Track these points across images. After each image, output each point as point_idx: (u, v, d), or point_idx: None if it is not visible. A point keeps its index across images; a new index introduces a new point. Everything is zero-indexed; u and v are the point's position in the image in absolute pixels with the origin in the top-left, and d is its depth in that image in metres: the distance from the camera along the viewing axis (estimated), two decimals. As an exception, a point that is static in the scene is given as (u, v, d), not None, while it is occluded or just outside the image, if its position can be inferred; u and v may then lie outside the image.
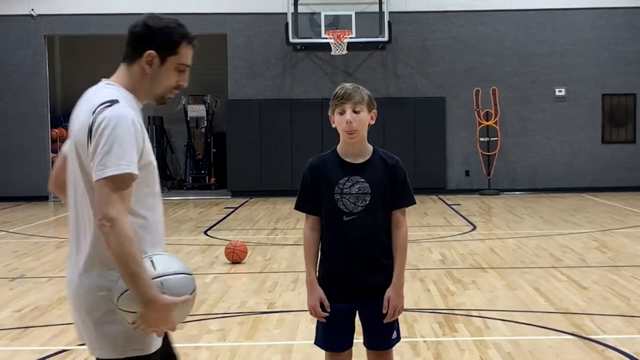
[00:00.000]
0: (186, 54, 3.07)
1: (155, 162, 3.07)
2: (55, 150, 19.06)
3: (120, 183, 2.83)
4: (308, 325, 6.48)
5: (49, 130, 18.88)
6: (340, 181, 3.80)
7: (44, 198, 18.26)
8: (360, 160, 3.83)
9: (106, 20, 18.35)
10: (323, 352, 3.96)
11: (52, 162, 18.86)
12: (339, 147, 3.88)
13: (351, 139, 3.78)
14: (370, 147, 3.88)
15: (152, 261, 2.94)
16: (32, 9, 18.46)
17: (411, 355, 5.69)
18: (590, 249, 10.41)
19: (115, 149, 2.83)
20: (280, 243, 11.39)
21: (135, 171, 2.86)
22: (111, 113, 2.86)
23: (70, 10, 18.48)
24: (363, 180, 3.79)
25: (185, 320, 3.97)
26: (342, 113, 3.77)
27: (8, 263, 10.02)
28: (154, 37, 3.01)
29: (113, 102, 2.91)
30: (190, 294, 2.97)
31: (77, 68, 21.37)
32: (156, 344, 3.02)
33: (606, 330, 6.29)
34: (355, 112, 3.75)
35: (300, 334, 6.32)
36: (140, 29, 3.03)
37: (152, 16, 3.07)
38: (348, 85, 3.83)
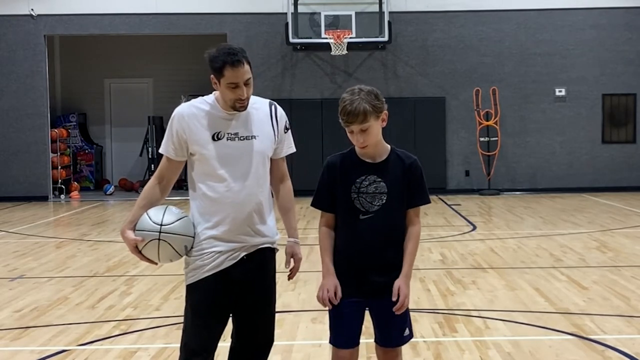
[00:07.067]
0: (231, 75, 3.74)
1: (209, 152, 3.79)
2: (55, 150, 19.04)
3: (162, 158, 3.94)
4: (308, 326, 6.47)
5: (49, 130, 18.84)
6: (357, 180, 3.79)
7: (44, 198, 18.24)
8: (378, 160, 3.83)
9: (106, 20, 18.32)
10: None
11: (52, 162, 18.86)
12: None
13: (364, 150, 3.80)
14: (388, 147, 3.88)
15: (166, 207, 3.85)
16: (32, 9, 18.45)
17: (411, 355, 5.69)
18: (590, 249, 10.41)
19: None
20: (280, 243, 11.36)
21: (164, 152, 3.88)
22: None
23: (70, 10, 18.46)
24: (380, 179, 3.79)
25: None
26: (351, 132, 3.76)
27: (8, 263, 10.02)
28: (210, 65, 3.80)
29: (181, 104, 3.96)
30: (144, 240, 3.71)
31: (77, 68, 21.38)
32: (195, 276, 3.84)
33: (606, 331, 6.29)
34: (362, 130, 3.72)
35: (300, 334, 6.30)
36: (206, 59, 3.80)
37: (216, 47, 3.84)
38: (348, 98, 3.72)
